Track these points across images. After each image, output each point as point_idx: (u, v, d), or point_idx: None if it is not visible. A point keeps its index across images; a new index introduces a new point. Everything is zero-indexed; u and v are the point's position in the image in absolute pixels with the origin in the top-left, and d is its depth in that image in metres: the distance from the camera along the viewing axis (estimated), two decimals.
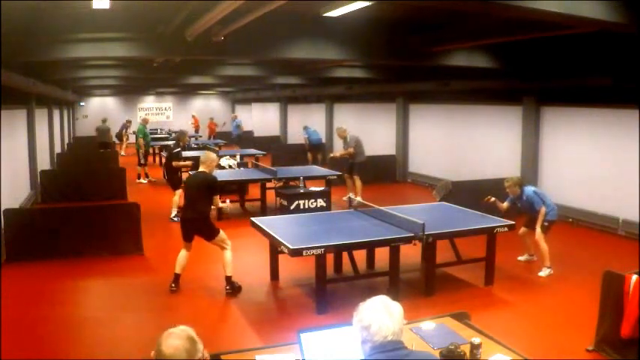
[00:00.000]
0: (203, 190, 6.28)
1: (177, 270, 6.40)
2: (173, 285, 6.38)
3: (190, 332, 2.14)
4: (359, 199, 8.65)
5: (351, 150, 11.69)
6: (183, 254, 6.42)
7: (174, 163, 10.16)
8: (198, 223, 6.27)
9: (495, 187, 10.41)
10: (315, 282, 5.81)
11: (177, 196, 10.05)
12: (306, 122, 19.34)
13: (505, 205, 7.19)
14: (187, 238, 6.39)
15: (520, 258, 7.57)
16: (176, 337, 2.10)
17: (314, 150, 18.05)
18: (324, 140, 19.54)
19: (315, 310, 5.74)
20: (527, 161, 11.02)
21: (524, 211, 7.26)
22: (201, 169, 6.44)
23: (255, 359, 2.97)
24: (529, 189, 7.11)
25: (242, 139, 22.26)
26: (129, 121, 23.04)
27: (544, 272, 6.95)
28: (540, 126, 10.92)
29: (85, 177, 12.39)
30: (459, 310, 3.63)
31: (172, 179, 10.31)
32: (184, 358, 2.04)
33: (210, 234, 6.32)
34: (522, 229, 7.33)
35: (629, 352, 4.44)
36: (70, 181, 12.24)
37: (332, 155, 12.73)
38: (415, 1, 6.10)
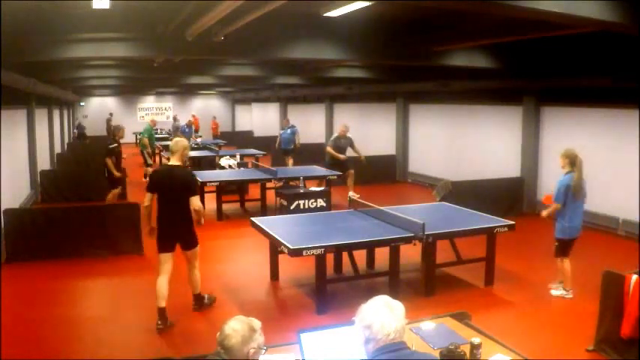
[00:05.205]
0: (181, 189, 5.27)
1: (160, 303, 5.28)
2: (159, 322, 5.24)
3: (255, 324, 2.39)
4: (352, 194, 8.72)
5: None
6: (162, 282, 5.32)
7: (108, 161, 9.56)
8: (181, 230, 5.42)
9: (495, 187, 10.52)
10: (315, 282, 5.82)
11: (112, 196, 9.71)
12: (306, 122, 17.86)
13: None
14: (168, 248, 5.39)
15: (553, 292, 6.33)
16: (239, 321, 2.36)
17: (287, 152, 15.41)
18: (323, 140, 19.47)
19: (315, 310, 5.74)
20: (527, 161, 11.02)
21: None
22: (172, 161, 5.46)
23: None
24: (565, 178, 6.06)
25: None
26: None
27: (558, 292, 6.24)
28: (540, 126, 10.92)
29: (85, 177, 12.37)
30: (459, 310, 3.64)
31: (109, 177, 9.69)
32: (238, 340, 2.29)
33: (192, 242, 5.53)
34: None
35: (629, 352, 4.44)
36: (69, 181, 12.24)
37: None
38: (415, 1, 6.10)
